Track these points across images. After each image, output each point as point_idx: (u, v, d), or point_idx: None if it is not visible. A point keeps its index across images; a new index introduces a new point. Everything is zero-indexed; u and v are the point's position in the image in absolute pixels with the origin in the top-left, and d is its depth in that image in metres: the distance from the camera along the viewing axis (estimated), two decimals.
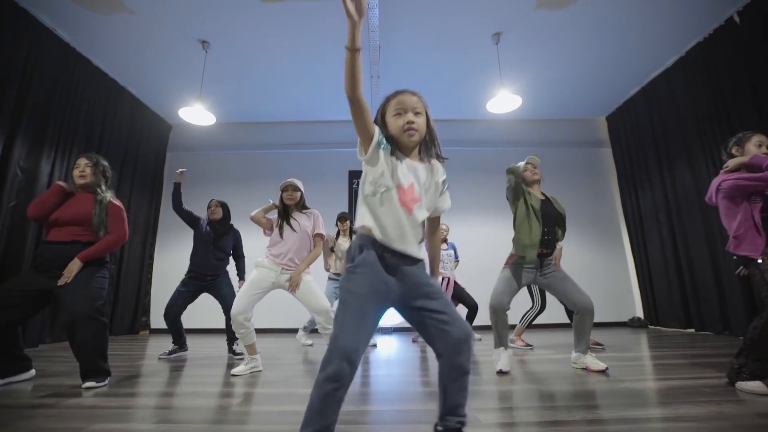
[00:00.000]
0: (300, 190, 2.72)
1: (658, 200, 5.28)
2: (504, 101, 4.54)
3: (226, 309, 3.28)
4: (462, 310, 4.41)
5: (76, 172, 2.39)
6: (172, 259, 5.87)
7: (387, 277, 1.07)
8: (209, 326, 5.06)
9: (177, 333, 3.35)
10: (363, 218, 1.12)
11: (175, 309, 3.31)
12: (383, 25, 4.15)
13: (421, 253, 1.15)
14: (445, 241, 4.48)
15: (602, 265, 5.96)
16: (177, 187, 3.54)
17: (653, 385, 1.97)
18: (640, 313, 5.68)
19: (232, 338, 3.37)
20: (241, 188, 6.05)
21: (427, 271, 1.20)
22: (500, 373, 2.31)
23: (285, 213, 2.66)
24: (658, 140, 5.30)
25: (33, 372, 2.32)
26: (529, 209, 2.44)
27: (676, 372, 2.27)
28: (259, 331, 2.70)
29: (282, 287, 2.54)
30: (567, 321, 5.41)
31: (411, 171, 1.14)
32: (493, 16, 4.19)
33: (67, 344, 2.12)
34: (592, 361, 2.35)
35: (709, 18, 4.25)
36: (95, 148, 4.78)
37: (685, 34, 4.51)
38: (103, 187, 2.42)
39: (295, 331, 4.61)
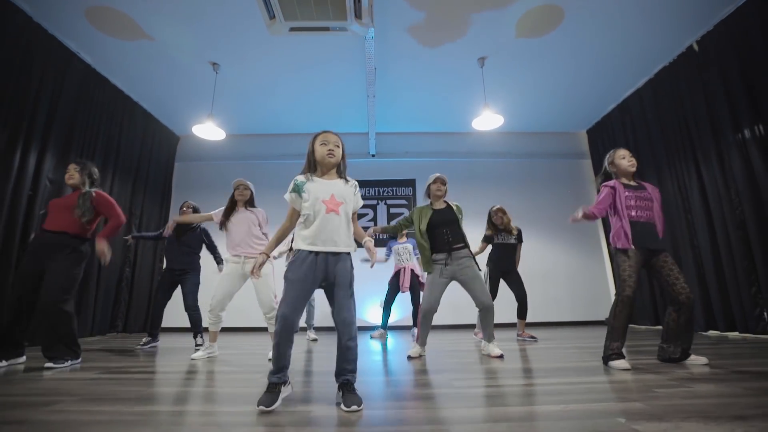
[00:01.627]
0: (251, 189, 3.20)
1: None
2: (487, 120, 5.00)
3: (187, 306, 3.81)
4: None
5: (66, 176, 2.86)
6: None
7: (311, 268, 1.57)
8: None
9: (155, 323, 3.87)
10: (296, 243, 1.64)
11: (156, 301, 3.86)
12: (378, 50, 4.60)
13: (342, 247, 1.62)
14: (405, 235, 4.92)
15: (582, 269, 6.42)
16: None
17: (577, 364, 2.38)
18: None
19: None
20: None
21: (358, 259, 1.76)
22: (409, 359, 2.81)
23: (232, 208, 3.12)
24: (632, 152, 5.75)
25: (24, 357, 2.71)
26: (422, 235, 2.97)
27: (580, 357, 2.69)
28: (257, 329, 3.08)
29: (247, 275, 3.00)
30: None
31: (328, 187, 1.66)
32: (478, 42, 4.65)
33: (87, 337, 2.55)
34: (492, 348, 2.83)
35: (673, 45, 4.73)
36: (113, 159, 5.18)
37: (652, 58, 5.00)
38: (86, 186, 2.87)
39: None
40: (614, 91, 5.81)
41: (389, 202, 6.65)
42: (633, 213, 2.45)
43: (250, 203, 3.18)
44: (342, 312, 1.59)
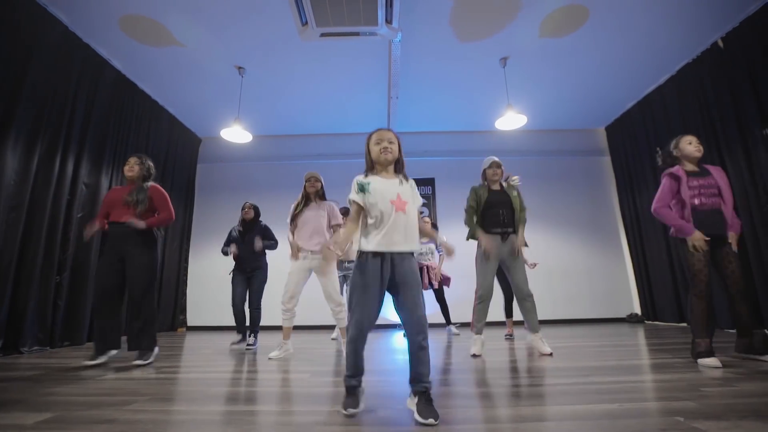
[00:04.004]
0: (320, 181, 3.20)
1: None
2: (511, 120, 5.04)
3: (251, 303, 3.86)
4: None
5: (126, 168, 2.94)
6: (205, 262, 6.40)
7: (378, 271, 1.53)
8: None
9: (240, 323, 3.89)
10: (360, 245, 1.60)
11: (236, 299, 3.87)
12: (404, 50, 4.64)
13: (410, 246, 1.58)
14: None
15: (601, 266, 6.43)
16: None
17: (616, 363, 2.44)
18: (637, 309, 6.13)
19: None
20: (266, 195, 6.36)
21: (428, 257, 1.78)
22: (473, 356, 2.82)
23: (305, 200, 3.13)
24: (653, 149, 5.74)
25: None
26: (476, 213, 3.07)
27: (616, 355, 2.75)
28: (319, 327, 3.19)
29: (313, 269, 3.04)
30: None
31: (392, 186, 1.62)
32: (500, 43, 4.67)
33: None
34: (542, 345, 2.84)
35: (696, 42, 4.71)
36: None
37: (675, 55, 4.98)
38: (142, 180, 2.95)
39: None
40: (634, 88, 5.79)
41: None
42: (696, 201, 2.38)
43: (321, 195, 3.19)
44: (417, 311, 1.51)
